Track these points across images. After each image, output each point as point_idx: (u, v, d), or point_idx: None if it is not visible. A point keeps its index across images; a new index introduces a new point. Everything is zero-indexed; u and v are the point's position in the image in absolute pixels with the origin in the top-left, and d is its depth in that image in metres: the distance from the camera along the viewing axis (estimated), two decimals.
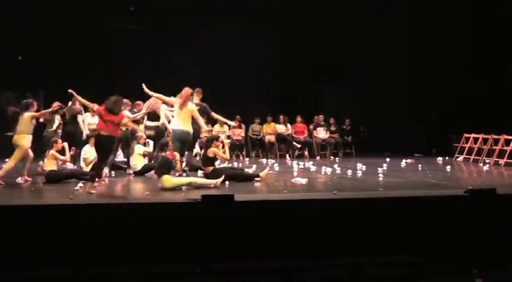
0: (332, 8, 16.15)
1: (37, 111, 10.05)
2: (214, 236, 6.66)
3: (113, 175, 10.97)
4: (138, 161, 11.22)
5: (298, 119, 15.78)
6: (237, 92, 16.21)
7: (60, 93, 10.99)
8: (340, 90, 16.99)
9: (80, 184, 9.24)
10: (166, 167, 8.99)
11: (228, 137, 14.51)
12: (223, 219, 6.80)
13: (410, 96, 16.38)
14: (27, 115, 9.62)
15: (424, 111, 16.15)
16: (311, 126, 15.91)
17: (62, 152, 10.24)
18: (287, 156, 15.31)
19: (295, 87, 16.83)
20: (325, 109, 16.43)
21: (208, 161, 9.87)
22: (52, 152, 9.93)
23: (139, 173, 11.07)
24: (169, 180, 8.82)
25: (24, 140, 9.56)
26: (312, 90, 17.14)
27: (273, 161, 13.89)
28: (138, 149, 11.28)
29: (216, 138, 10.05)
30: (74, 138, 11.15)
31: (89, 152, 10.76)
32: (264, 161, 14.11)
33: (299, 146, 15.37)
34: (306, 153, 15.65)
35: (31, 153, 9.85)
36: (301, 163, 13.28)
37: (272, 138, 15.89)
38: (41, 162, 10.69)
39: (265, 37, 17.47)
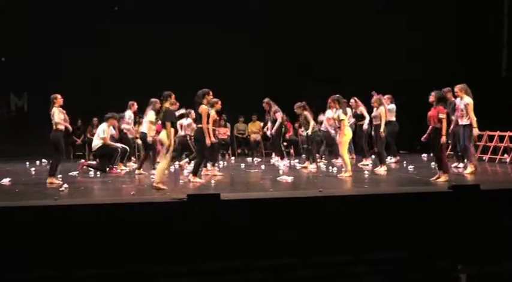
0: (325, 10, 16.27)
1: None
2: (200, 235, 6.65)
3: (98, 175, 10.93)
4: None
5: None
6: (221, 91, 16.18)
7: (43, 95, 10.91)
8: (324, 89, 17.02)
9: (66, 185, 9.18)
10: None
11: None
12: (209, 218, 6.80)
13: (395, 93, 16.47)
14: None
15: (408, 107, 16.23)
16: (296, 125, 15.91)
17: None
18: (272, 154, 15.32)
19: (280, 86, 16.81)
20: (311, 107, 16.46)
21: None
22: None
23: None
24: None
25: None
26: (297, 88, 17.14)
27: (259, 160, 13.90)
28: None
29: None
30: None
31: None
32: (250, 159, 14.11)
33: (285, 144, 15.38)
34: (292, 151, 15.67)
35: None
36: (286, 161, 13.30)
37: (257, 136, 15.90)
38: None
39: (251, 37, 17.40)
